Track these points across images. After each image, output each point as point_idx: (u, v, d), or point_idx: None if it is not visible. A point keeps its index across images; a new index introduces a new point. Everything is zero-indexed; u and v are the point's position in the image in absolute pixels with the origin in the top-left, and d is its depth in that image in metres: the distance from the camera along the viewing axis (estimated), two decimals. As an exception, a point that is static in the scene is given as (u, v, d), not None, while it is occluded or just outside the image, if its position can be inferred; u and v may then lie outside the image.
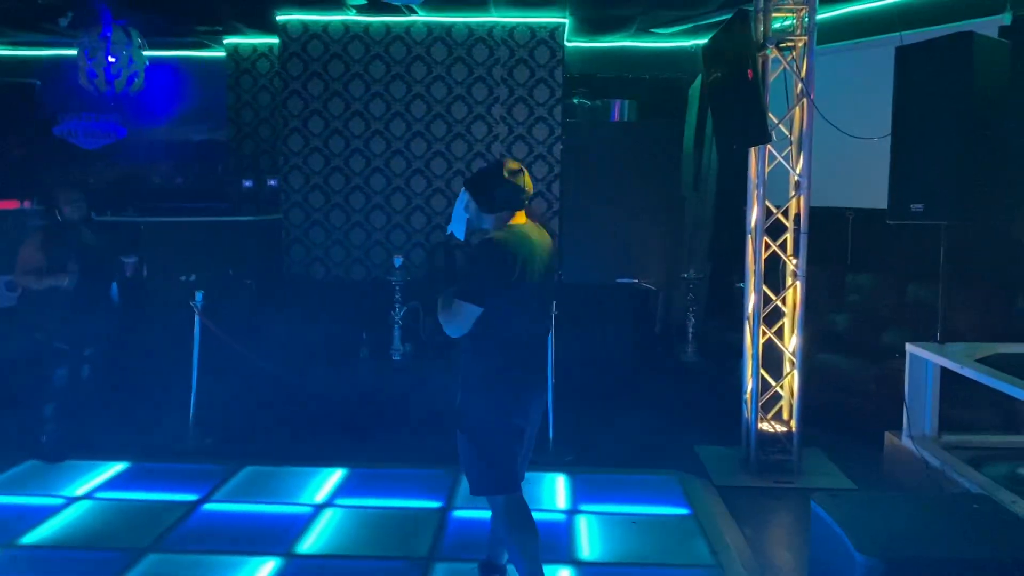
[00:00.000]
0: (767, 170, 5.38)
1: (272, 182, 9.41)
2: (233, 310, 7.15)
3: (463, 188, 3.43)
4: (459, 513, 4.64)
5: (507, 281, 3.14)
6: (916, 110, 4.40)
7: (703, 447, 5.85)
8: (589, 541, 4.29)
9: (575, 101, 9.04)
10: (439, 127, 8.27)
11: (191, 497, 4.79)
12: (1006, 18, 6.03)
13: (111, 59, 8.29)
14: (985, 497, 3.50)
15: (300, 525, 4.43)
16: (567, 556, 4.12)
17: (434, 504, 4.76)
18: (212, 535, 4.32)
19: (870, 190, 5.72)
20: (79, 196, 5.48)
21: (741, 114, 5.13)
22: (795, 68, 5.28)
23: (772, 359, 5.63)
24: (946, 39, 4.29)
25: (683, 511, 4.73)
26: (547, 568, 3.97)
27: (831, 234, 6.82)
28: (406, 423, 6.07)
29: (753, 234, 5.52)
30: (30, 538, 4.25)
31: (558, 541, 4.29)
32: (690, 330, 7.20)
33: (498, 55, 8.18)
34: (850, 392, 6.14)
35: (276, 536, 4.30)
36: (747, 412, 5.62)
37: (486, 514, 4.62)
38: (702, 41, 9.07)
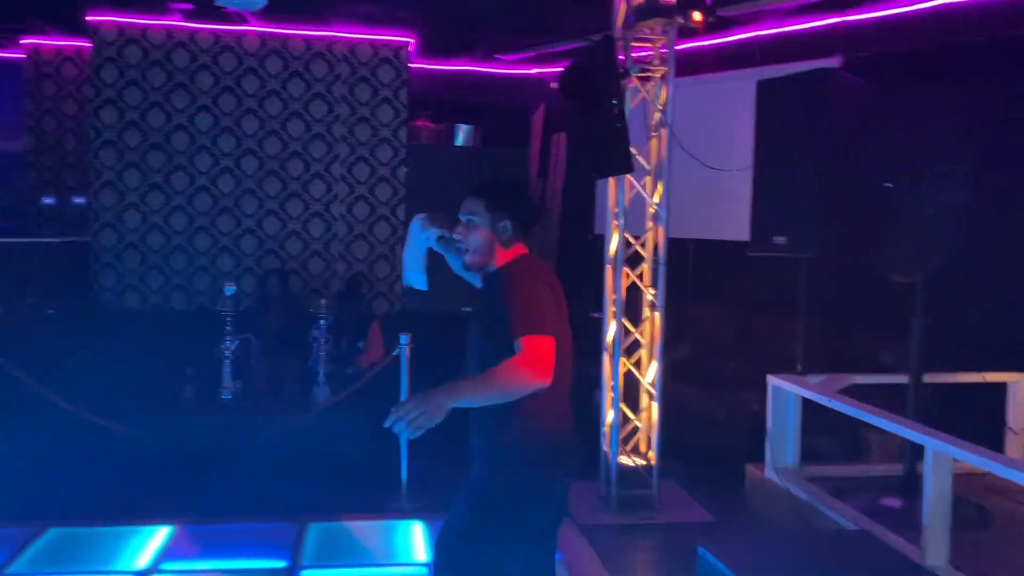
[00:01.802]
0: (627, 200, 5.29)
1: (79, 200, 8.46)
2: (33, 344, 6.27)
3: (420, 219, 2.78)
4: (308, 573, 4.16)
5: (556, 315, 2.47)
6: (778, 143, 4.43)
7: (562, 484, 5.64)
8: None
9: (417, 124, 8.74)
10: (273, 144, 7.71)
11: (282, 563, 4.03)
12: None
13: None
14: (865, 533, 3.47)
15: (118, 596, 3.81)
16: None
17: (279, 563, 4.24)
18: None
19: (716, 222, 5.79)
20: None
21: (603, 143, 5.01)
22: (654, 98, 5.25)
23: (628, 391, 5.53)
24: (806, 75, 4.35)
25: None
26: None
27: (674, 265, 6.88)
28: (240, 471, 5.47)
29: (613, 264, 5.41)
30: None
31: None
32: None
33: (338, 71, 7.75)
34: (700, 422, 6.15)
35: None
36: (606, 446, 5.48)
37: (337, 572, 4.19)
38: (548, 69, 9.06)
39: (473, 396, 2.32)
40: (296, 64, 7.68)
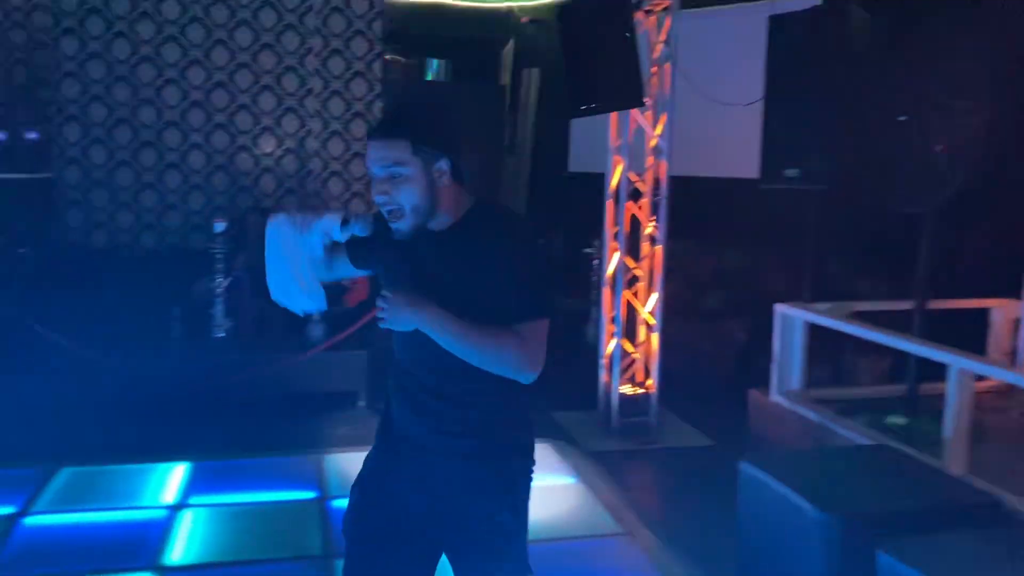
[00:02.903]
0: (630, 135, 5.35)
1: (31, 135, 8.06)
2: (9, 285, 6.04)
3: (280, 223, 2.13)
4: (339, 503, 4.21)
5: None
6: (789, 77, 4.53)
7: (561, 413, 5.79)
8: (490, 520, 4.05)
9: (387, 57, 8.57)
10: (244, 77, 7.47)
11: (6, 510, 3.94)
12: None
13: None
14: (885, 446, 3.70)
15: (158, 532, 3.79)
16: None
17: (308, 494, 4.28)
18: (50, 553, 3.57)
19: (718, 160, 5.91)
20: None
21: (610, 75, 5.03)
22: (657, 30, 5.28)
23: (625, 324, 5.66)
24: (818, 8, 4.44)
25: (570, 479, 4.63)
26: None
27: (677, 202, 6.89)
28: (243, 407, 5.44)
29: (614, 198, 5.49)
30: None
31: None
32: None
33: (311, 2, 7.52)
34: (685, 353, 6.34)
35: (133, 548, 3.64)
36: (606, 376, 5.63)
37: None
38: (518, 3, 8.97)
39: (455, 339, 1.93)
40: (267, -7, 7.42)
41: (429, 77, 8.75)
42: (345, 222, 2.08)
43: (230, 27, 7.40)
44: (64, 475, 4.39)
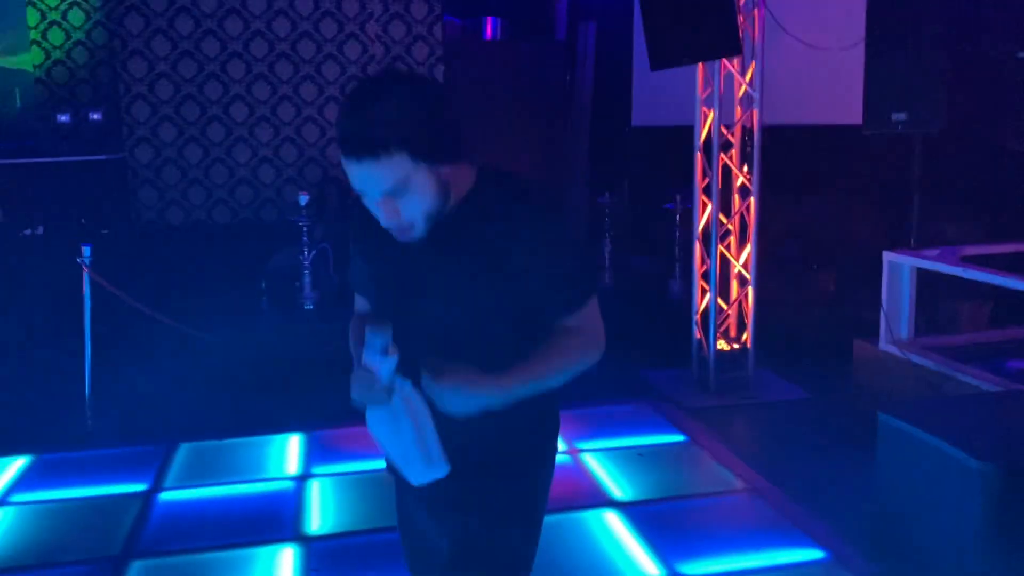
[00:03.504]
0: (721, 84, 5.23)
1: (95, 115, 8.10)
2: (102, 265, 6.10)
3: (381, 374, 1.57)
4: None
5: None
6: (893, 16, 4.38)
7: (652, 372, 5.77)
8: (612, 479, 4.06)
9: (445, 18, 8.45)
10: (307, 47, 7.42)
11: (137, 488, 4.01)
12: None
13: None
14: (1020, 392, 3.63)
15: (292, 502, 3.84)
16: (601, 498, 3.86)
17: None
18: (193, 528, 3.63)
19: (812, 106, 5.77)
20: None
21: (700, 25, 4.92)
22: (744, -23, 5.14)
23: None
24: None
25: (679, 438, 4.62)
26: (587, 513, 3.74)
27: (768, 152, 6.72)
28: (344, 377, 5.46)
29: (702, 150, 5.40)
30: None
31: (582, 483, 4.03)
32: (607, 257, 7.04)
33: (370, -33, 7.44)
34: (774, 306, 6.27)
35: (270, 520, 3.69)
36: (699, 332, 5.58)
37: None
38: (572, -43, 8.77)
39: (521, 391, 1.61)
40: (326, -39, 7.34)
41: (487, 37, 8.62)
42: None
43: (290, -3, 7.34)
44: (184, 451, 4.45)
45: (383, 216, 1.58)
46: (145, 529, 3.63)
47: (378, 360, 1.55)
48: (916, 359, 4.49)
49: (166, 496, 3.94)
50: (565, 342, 1.65)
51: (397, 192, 1.53)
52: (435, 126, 1.54)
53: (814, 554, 3.37)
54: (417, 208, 1.56)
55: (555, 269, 1.63)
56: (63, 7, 7.93)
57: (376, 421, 1.64)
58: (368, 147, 1.48)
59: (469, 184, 1.66)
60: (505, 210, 1.63)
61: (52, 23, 7.97)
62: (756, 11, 5.13)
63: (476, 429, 1.61)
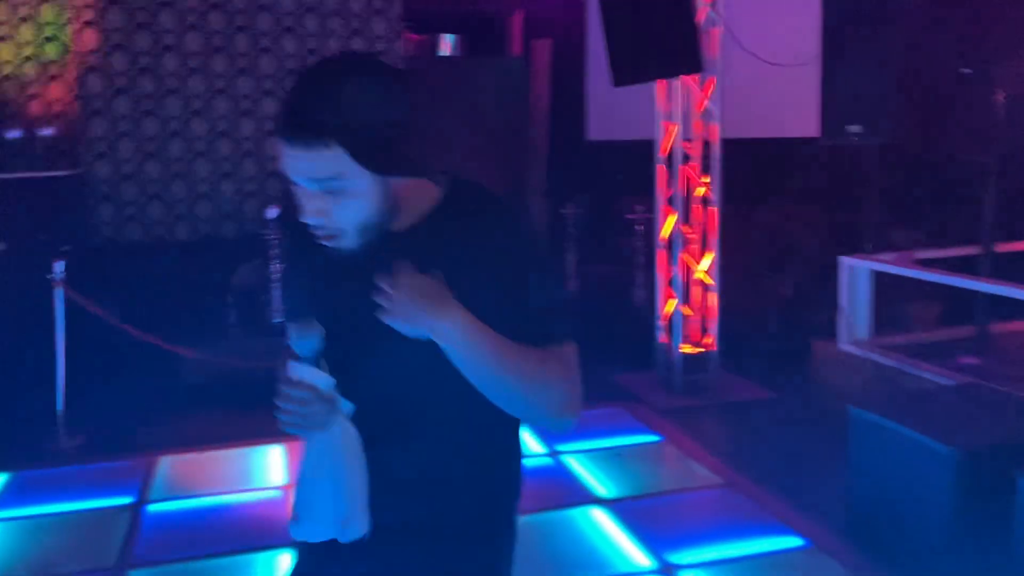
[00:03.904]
0: (680, 100, 5.45)
1: (45, 131, 7.99)
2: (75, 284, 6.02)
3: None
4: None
5: None
6: (847, 35, 4.65)
7: (623, 375, 5.93)
8: (595, 479, 4.19)
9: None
10: (268, 62, 7.45)
11: (123, 500, 4.00)
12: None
13: None
14: (981, 385, 3.89)
15: (282, 510, 3.87)
16: (586, 496, 4.00)
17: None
18: (184, 538, 3.65)
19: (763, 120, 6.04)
20: None
21: (664, 43, 5.13)
22: (704, -4, 5.37)
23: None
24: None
25: (654, 438, 4.78)
26: (574, 511, 3.87)
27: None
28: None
29: (666, 163, 5.61)
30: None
31: (566, 483, 4.16)
32: (570, 265, 7.21)
33: (329, -17, 7.51)
34: (732, 311, 6.51)
35: (264, 526, 3.72)
36: (664, 336, 5.77)
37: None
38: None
39: (488, 356, 1.34)
40: (285, -24, 7.40)
41: (442, 53, 8.76)
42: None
43: (250, 12, 7.36)
44: (165, 463, 4.44)
45: (309, 212, 1.36)
46: (137, 540, 3.63)
47: (310, 372, 1.34)
48: (876, 357, 4.74)
49: (154, 508, 3.94)
50: (553, 362, 1.39)
51: (331, 190, 1.33)
52: (385, 130, 1.33)
53: (794, 542, 3.55)
54: (350, 216, 1.35)
55: (536, 300, 1.41)
56: (13, 21, 7.84)
57: (308, 452, 1.41)
58: (302, 131, 1.29)
59: (430, 203, 1.45)
60: (479, 233, 1.42)
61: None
62: (713, 29, 5.37)
63: (426, 482, 1.44)
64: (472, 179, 1.53)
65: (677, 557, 3.43)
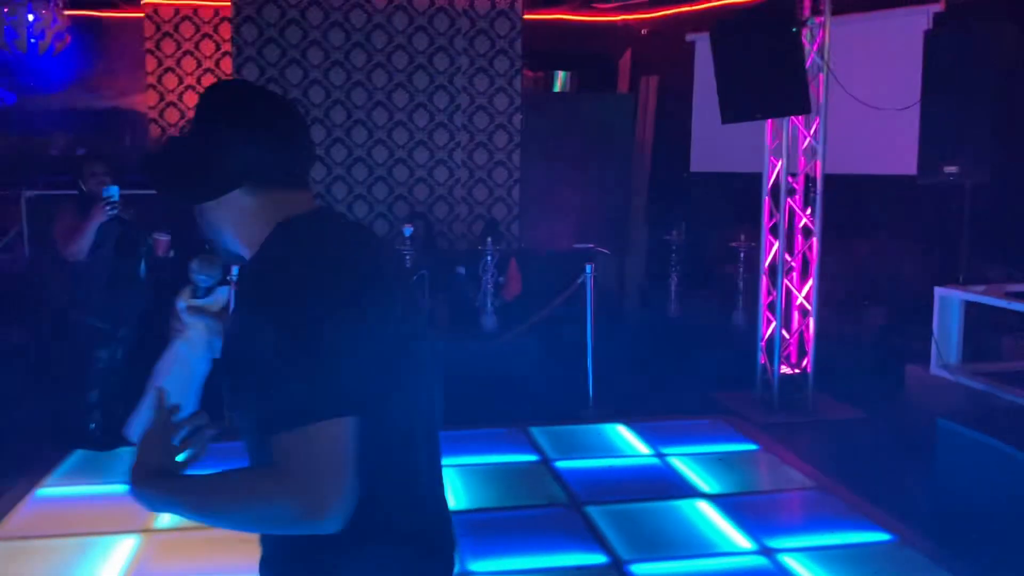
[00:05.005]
0: (789, 137, 5.91)
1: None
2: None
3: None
4: (561, 464, 4.85)
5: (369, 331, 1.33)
6: (946, 81, 5.05)
7: (721, 394, 6.36)
8: (699, 477, 4.66)
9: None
10: (401, 96, 8.22)
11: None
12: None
13: (31, 17, 7.62)
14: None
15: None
16: (692, 491, 4.46)
17: (532, 457, 4.94)
18: (58, 519, 4.16)
19: (866, 158, 6.44)
20: (102, 169, 5.18)
21: (772, 85, 5.61)
22: (811, 40, 5.83)
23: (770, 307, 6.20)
24: (971, 23, 4.98)
25: (752, 446, 5.22)
26: (682, 503, 4.34)
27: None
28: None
29: (770, 196, 6.07)
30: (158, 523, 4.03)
31: (673, 479, 4.64)
32: (673, 289, 7.69)
33: (459, 25, 8.24)
34: (828, 337, 6.87)
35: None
36: (764, 358, 6.19)
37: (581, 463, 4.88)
38: (633, 16, 9.59)
39: (195, 514, 1.32)
40: (420, 19, 8.16)
41: (556, 89, 9.40)
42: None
43: (388, 51, 8.15)
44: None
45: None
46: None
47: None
48: (965, 381, 5.08)
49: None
50: (261, 478, 1.27)
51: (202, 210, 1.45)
52: (178, 160, 1.43)
53: (882, 536, 3.95)
54: (211, 235, 1.47)
55: (262, 373, 1.25)
56: (177, 55, 8.86)
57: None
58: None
59: (260, 238, 1.39)
60: (242, 279, 1.38)
61: (167, 69, 8.88)
62: (820, 75, 5.82)
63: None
64: (326, 215, 1.47)
65: (775, 542, 3.87)
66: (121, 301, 5.09)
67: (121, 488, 4.52)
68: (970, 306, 5.45)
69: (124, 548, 3.83)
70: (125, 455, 4.87)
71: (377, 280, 1.39)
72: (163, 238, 5.24)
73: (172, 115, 9.00)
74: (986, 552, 3.66)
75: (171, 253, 5.29)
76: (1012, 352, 5.83)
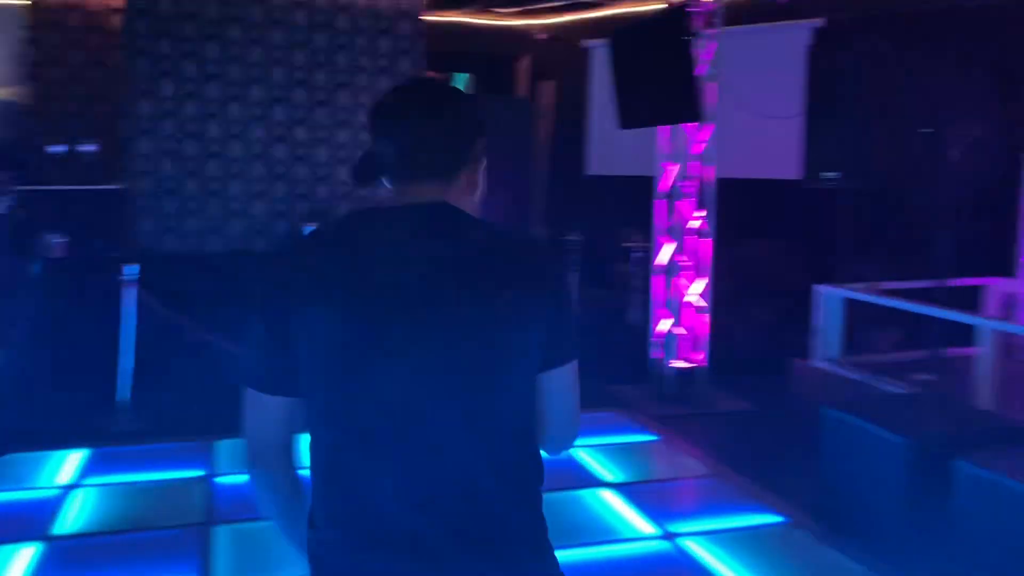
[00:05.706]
0: (683, 143, 6.20)
1: (88, 147, 8.66)
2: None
3: None
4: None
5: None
6: (828, 94, 5.42)
7: (615, 387, 6.60)
8: (602, 467, 4.85)
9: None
10: (300, 93, 8.14)
11: (196, 473, 4.60)
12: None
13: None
14: (934, 393, 4.60)
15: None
16: (595, 481, 4.64)
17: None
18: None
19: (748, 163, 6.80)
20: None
21: (666, 93, 5.87)
22: (702, 51, 6.13)
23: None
24: (854, 35, 5.36)
25: (652, 437, 5.45)
26: (586, 492, 4.51)
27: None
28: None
29: (667, 198, 6.34)
30: (58, 529, 3.91)
31: (576, 470, 4.80)
32: (574, 289, 7.90)
33: (361, 24, 8.23)
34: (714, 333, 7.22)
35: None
36: (658, 352, 6.47)
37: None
38: (532, 21, 9.79)
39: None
40: (321, 17, 8.11)
41: (457, 90, 9.49)
42: None
43: (286, 48, 8.05)
44: (225, 446, 5.02)
45: None
46: (215, 505, 4.23)
47: None
48: (845, 373, 5.46)
49: (221, 480, 4.55)
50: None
51: None
52: None
53: (775, 519, 4.22)
54: None
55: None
56: (63, 46, 8.51)
57: None
58: None
59: None
60: None
61: (52, 61, 8.52)
62: (711, 84, 6.12)
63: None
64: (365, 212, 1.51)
65: (676, 527, 4.08)
66: (7, 303, 4.92)
67: (15, 495, 4.41)
68: (849, 302, 5.85)
69: (23, 557, 3.70)
70: (24, 460, 4.72)
71: (337, 281, 1.39)
72: (57, 239, 5.08)
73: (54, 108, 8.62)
74: (868, 529, 3.97)
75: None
76: (887, 345, 6.28)
